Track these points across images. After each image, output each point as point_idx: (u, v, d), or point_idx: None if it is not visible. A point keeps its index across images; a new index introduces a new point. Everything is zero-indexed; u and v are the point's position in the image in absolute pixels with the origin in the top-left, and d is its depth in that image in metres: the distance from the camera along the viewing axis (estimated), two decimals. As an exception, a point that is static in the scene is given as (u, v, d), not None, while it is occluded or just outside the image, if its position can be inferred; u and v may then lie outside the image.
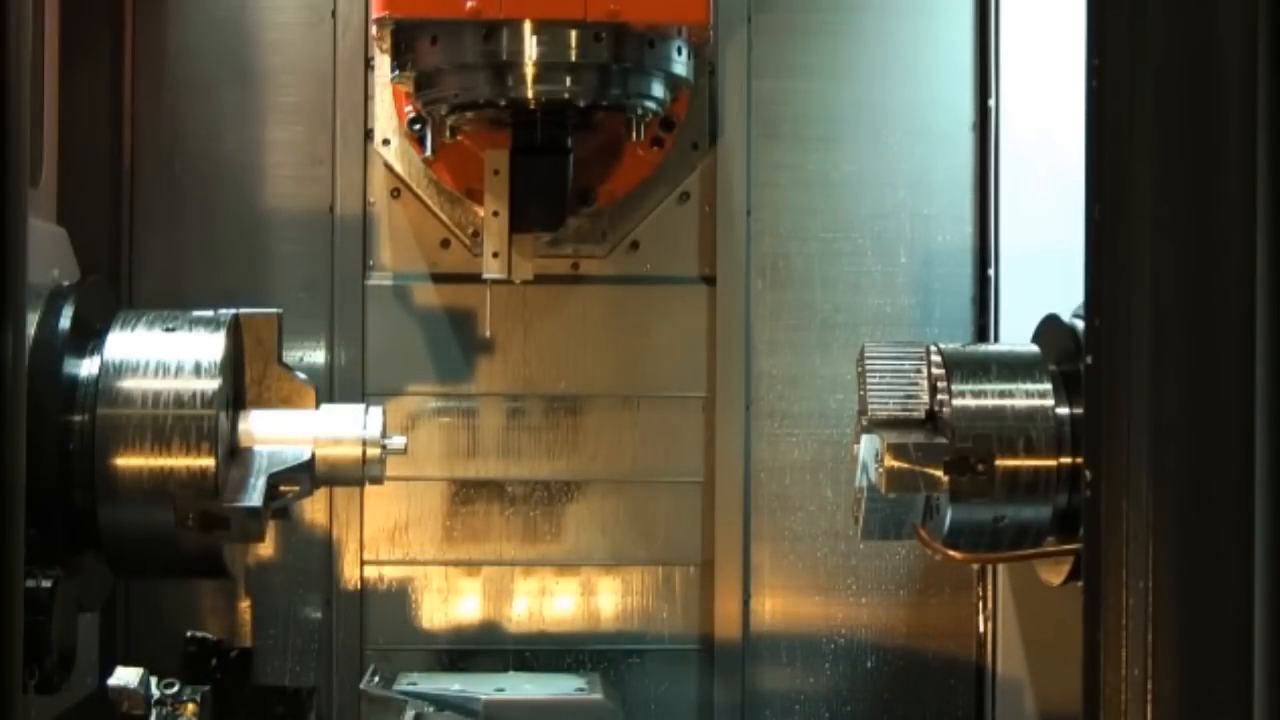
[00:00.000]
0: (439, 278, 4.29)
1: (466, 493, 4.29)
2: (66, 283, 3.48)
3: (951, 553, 3.52)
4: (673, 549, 4.32)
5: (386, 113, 4.19)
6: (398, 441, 3.59)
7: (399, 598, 4.28)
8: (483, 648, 4.28)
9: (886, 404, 3.61)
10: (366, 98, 4.24)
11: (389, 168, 4.22)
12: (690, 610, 4.31)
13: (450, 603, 4.29)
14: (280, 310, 3.64)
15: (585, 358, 4.31)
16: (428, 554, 4.29)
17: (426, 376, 4.22)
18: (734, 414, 4.29)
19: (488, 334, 4.22)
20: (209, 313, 3.49)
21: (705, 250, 4.32)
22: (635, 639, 4.31)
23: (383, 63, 4.05)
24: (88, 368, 3.35)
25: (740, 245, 4.30)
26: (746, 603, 4.29)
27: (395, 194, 4.26)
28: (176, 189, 4.26)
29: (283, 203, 4.29)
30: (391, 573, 4.29)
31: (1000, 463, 3.45)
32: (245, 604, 4.23)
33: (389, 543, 4.28)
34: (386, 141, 4.20)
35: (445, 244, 4.28)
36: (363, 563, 4.26)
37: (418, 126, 4.09)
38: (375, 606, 4.28)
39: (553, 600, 4.31)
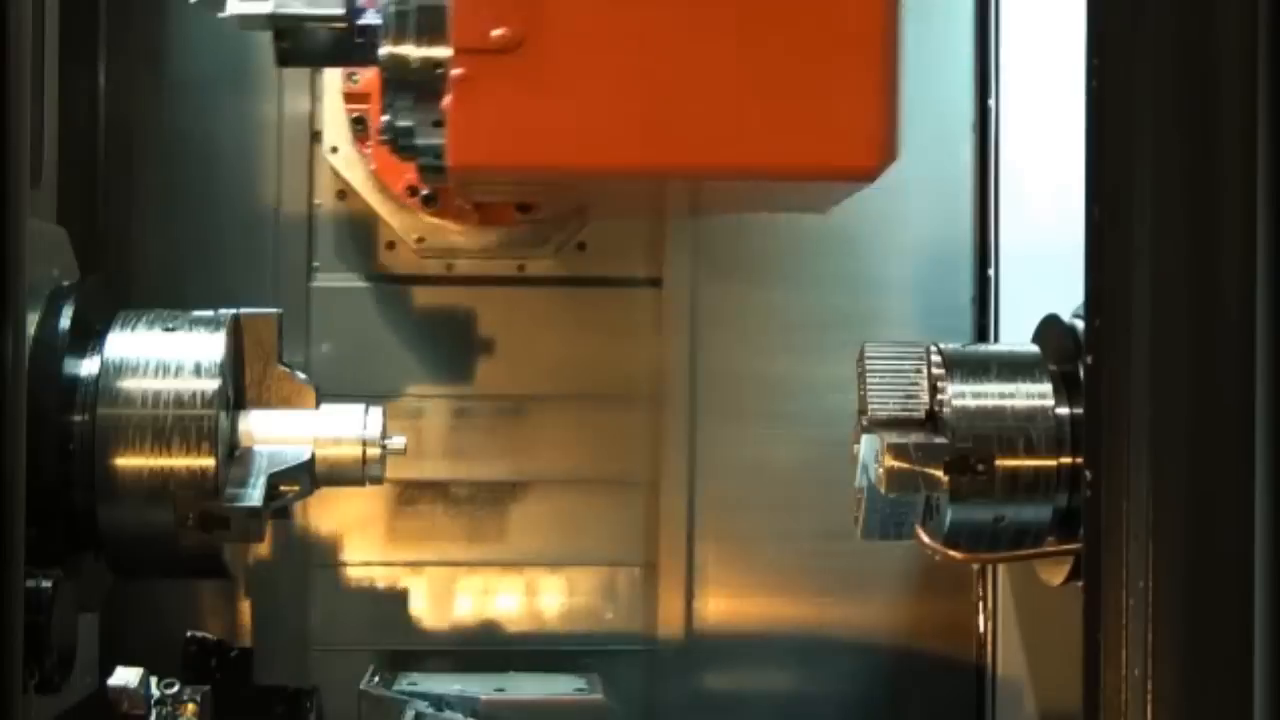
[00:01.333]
0: (385, 279, 4.29)
1: (411, 494, 4.28)
2: (66, 283, 3.47)
3: (951, 553, 3.52)
4: (618, 550, 4.32)
5: (336, 120, 4.18)
6: (398, 442, 3.59)
7: (341, 599, 4.28)
8: (426, 648, 4.27)
9: (886, 404, 3.61)
10: (313, 98, 4.23)
11: (336, 173, 4.20)
12: (635, 610, 4.31)
13: (392, 604, 4.28)
14: (280, 310, 3.64)
15: (532, 359, 4.30)
16: (371, 555, 4.29)
17: (372, 378, 4.17)
18: (680, 415, 4.29)
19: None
20: (209, 313, 3.49)
21: (653, 251, 4.32)
22: (583, 640, 4.31)
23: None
24: (88, 368, 3.35)
25: (686, 247, 4.28)
26: (690, 602, 4.29)
27: (341, 196, 4.25)
28: (177, 189, 4.25)
29: (245, 202, 4.29)
30: (336, 574, 4.28)
31: (1000, 463, 3.45)
32: (244, 604, 4.24)
33: (334, 545, 4.27)
34: (335, 149, 4.18)
35: (391, 246, 4.27)
36: (307, 564, 4.27)
37: (361, 127, 4.09)
38: (318, 608, 4.27)
39: (497, 600, 4.31)
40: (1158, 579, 2.50)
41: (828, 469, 4.27)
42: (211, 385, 3.33)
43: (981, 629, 4.31)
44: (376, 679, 3.98)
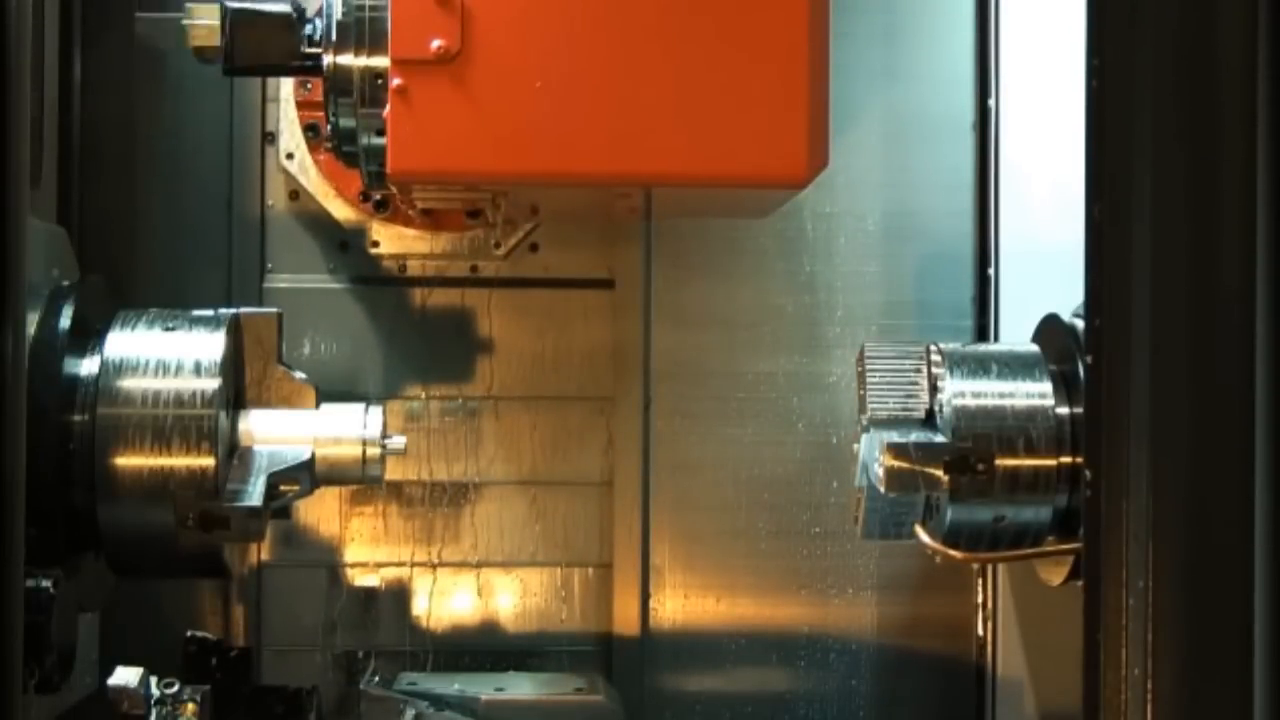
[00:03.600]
0: (338, 280, 4.28)
1: (364, 495, 4.26)
2: (66, 283, 3.47)
3: (951, 553, 3.52)
4: (573, 550, 4.31)
5: (292, 127, 4.18)
6: (398, 442, 3.59)
7: (293, 600, 4.26)
8: (378, 648, 4.25)
9: (886, 404, 3.61)
10: (264, 99, 4.23)
11: (291, 176, 4.20)
12: (590, 609, 4.30)
13: (344, 603, 4.26)
14: (280, 310, 3.64)
15: (484, 360, 4.29)
16: (324, 556, 4.27)
17: (325, 378, 4.03)
18: (634, 415, 4.29)
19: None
20: (209, 312, 3.49)
21: (606, 252, 4.31)
22: (538, 640, 4.31)
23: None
24: (88, 367, 3.35)
25: (639, 247, 4.28)
26: (646, 601, 4.27)
27: (294, 196, 4.24)
28: (136, 187, 4.23)
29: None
30: (287, 575, 4.27)
31: (1000, 462, 3.45)
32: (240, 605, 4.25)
33: (285, 545, 4.25)
34: (290, 156, 4.19)
35: (344, 247, 4.26)
36: (260, 564, 4.25)
37: (314, 134, 4.13)
38: (268, 605, 4.26)
39: (452, 601, 4.30)
40: (1158, 579, 2.50)
41: (787, 467, 4.31)
42: (211, 385, 3.33)
43: (981, 629, 4.31)
44: (376, 679, 3.98)
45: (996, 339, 4.24)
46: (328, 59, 3.46)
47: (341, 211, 4.22)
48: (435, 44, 3.30)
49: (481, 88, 3.33)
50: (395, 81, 3.30)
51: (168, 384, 3.33)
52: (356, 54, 3.44)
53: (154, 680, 3.42)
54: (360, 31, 3.43)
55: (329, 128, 3.56)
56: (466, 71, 3.32)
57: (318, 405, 3.57)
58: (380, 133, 3.39)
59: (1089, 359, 2.64)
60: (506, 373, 4.30)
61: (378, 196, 4.13)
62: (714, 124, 3.35)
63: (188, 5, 3.68)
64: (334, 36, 3.45)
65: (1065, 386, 3.53)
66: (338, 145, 3.57)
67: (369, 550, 4.29)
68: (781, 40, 3.36)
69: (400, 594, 4.30)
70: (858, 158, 4.32)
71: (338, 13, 3.45)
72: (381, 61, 3.37)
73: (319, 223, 4.27)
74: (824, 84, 3.42)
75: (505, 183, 3.51)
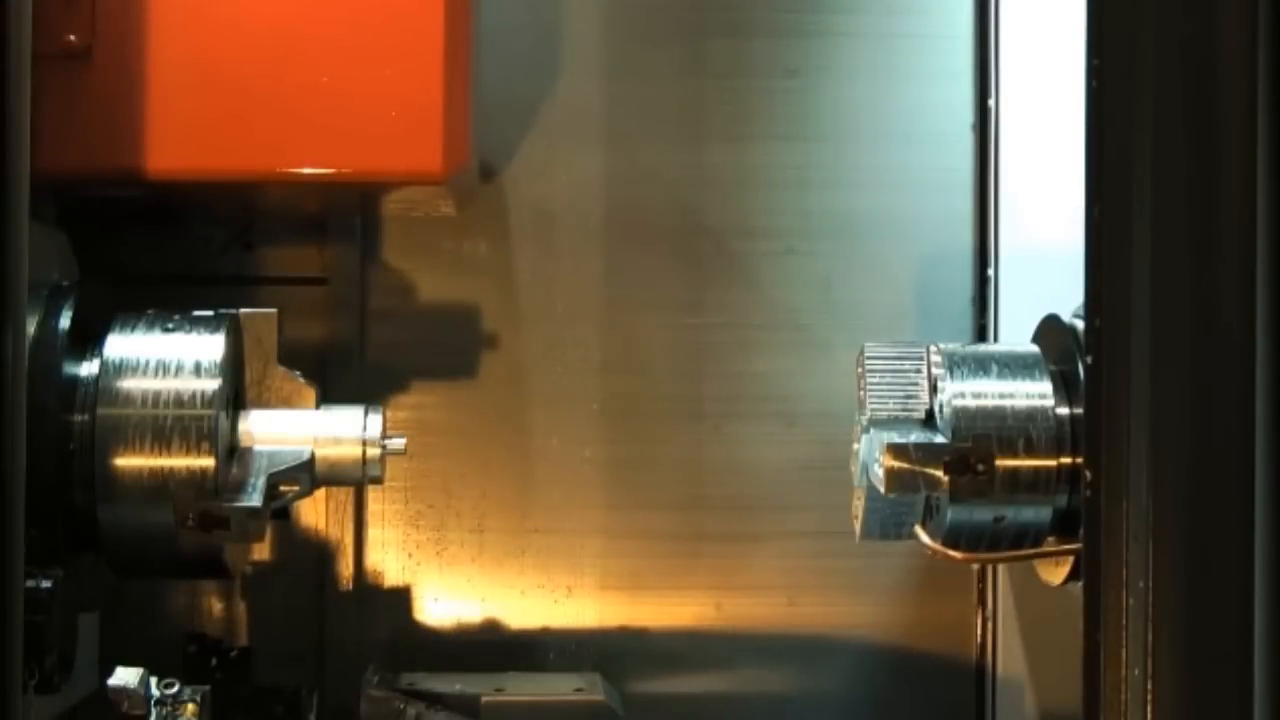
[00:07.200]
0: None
1: None
2: (66, 283, 3.47)
3: (951, 553, 3.52)
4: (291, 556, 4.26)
5: None
6: (397, 443, 3.59)
7: None
8: None
9: (886, 404, 3.61)
10: None
11: None
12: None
13: None
14: (278, 309, 3.63)
15: None
16: None
17: None
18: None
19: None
20: (209, 313, 3.49)
21: (320, 249, 4.24)
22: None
23: None
24: (87, 368, 3.35)
25: (355, 244, 4.22)
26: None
27: None
28: None
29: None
30: None
31: (1000, 463, 3.44)
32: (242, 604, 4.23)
33: None
34: None
35: None
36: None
37: None
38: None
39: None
40: (1158, 579, 2.50)
41: (508, 465, 4.28)
42: (211, 385, 3.33)
43: (981, 629, 4.31)
44: (377, 679, 3.98)
45: (996, 339, 4.25)
46: None
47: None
48: (70, 38, 3.27)
49: (117, 83, 3.33)
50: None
51: (168, 384, 3.33)
52: None
53: (154, 680, 3.42)
54: None
55: None
56: (101, 67, 3.32)
57: (318, 405, 3.57)
58: None
59: (1089, 359, 2.65)
60: None
61: None
62: (349, 119, 3.38)
63: None
64: None
65: (1065, 387, 3.53)
66: None
67: None
68: (415, 37, 3.39)
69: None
70: (858, 158, 4.33)
71: None
72: None
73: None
74: (464, 81, 3.44)
75: (140, 182, 3.45)
